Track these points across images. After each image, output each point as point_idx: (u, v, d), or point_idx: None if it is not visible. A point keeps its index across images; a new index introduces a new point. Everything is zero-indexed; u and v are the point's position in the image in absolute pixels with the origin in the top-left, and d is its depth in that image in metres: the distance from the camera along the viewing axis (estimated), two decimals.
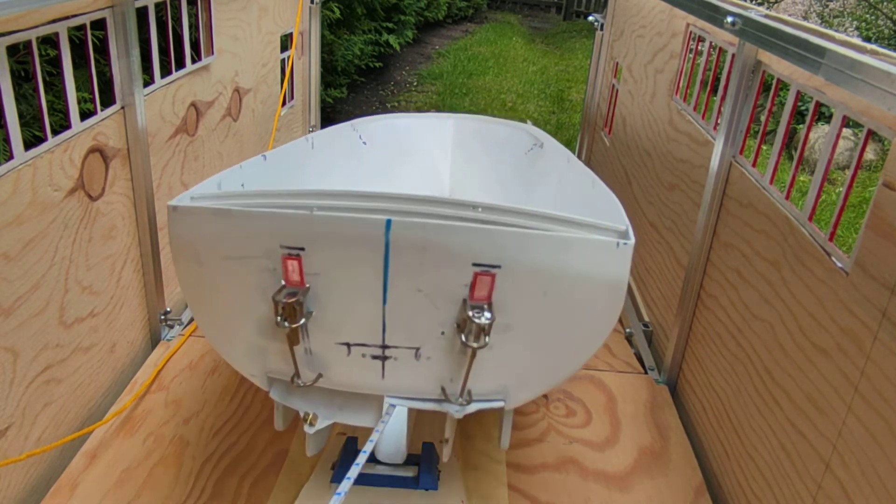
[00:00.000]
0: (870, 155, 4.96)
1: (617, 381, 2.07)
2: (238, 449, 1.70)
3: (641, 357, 2.22)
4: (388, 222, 1.15)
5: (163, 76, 2.04)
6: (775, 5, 7.08)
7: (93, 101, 1.71)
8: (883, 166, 1.17)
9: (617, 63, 3.27)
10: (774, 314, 1.50)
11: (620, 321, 2.27)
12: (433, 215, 1.22)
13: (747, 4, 1.84)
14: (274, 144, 3.02)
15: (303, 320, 1.21)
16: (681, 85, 2.29)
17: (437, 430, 1.45)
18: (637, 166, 2.68)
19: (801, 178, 4.44)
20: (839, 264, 1.27)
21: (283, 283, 1.22)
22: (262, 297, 1.23)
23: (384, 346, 1.27)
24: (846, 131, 4.91)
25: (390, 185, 2.31)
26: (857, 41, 1.29)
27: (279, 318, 1.20)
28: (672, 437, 1.86)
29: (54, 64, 1.78)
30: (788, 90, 1.59)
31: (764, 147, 2.19)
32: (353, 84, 5.87)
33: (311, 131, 3.53)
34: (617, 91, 3.20)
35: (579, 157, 2.23)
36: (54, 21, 1.54)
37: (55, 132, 1.57)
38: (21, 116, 1.60)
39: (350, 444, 1.58)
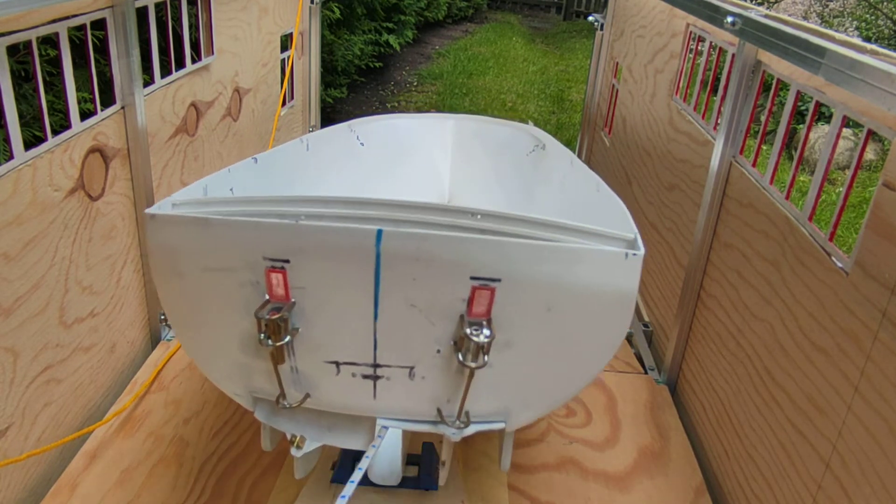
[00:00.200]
0: (870, 155, 4.96)
1: (617, 381, 2.07)
2: (238, 449, 1.70)
3: (641, 357, 2.22)
4: (379, 232, 1.08)
5: (163, 76, 2.04)
6: (775, 5, 7.08)
7: (93, 101, 1.71)
8: (883, 166, 1.17)
9: (617, 63, 3.27)
10: (774, 314, 1.50)
11: None
12: (429, 224, 1.17)
13: (747, 4, 1.84)
14: (274, 144, 3.02)
15: (288, 338, 1.14)
16: (681, 85, 2.29)
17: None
18: (637, 166, 2.68)
19: (801, 178, 4.44)
20: (839, 264, 1.27)
21: (266, 297, 1.15)
22: (245, 311, 1.16)
23: (375, 365, 1.20)
24: (846, 131, 4.91)
25: (388, 188, 2.29)
26: (857, 41, 1.29)
27: (262, 335, 1.13)
28: (672, 438, 1.86)
29: (54, 64, 1.78)
30: (788, 90, 1.59)
31: (764, 147, 2.19)
32: (353, 84, 5.87)
33: (311, 131, 3.53)
34: (617, 91, 3.20)
35: (579, 156, 2.22)
36: (54, 21, 1.54)
37: (55, 132, 1.57)
38: (21, 116, 1.60)
39: None
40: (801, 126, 4.88)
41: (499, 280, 1.11)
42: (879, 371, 1.12)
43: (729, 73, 1.87)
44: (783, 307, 1.46)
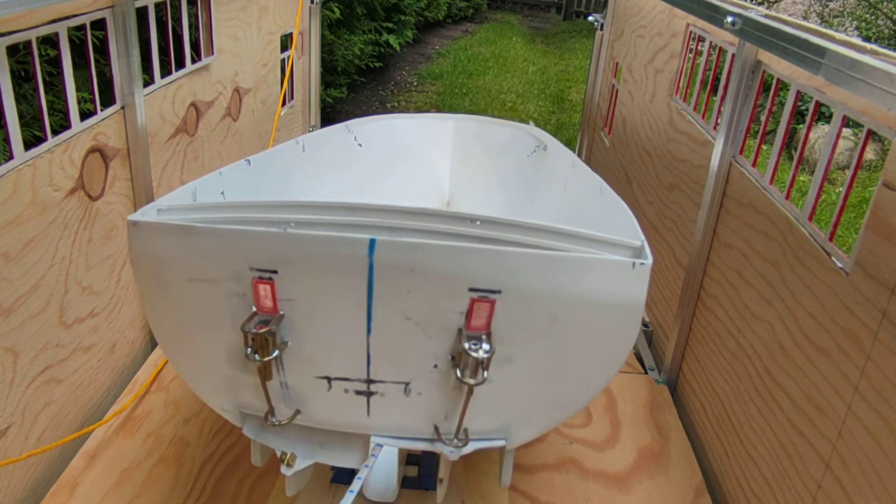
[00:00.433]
0: (870, 155, 4.96)
1: (617, 381, 2.07)
2: (238, 449, 1.69)
3: (641, 357, 2.22)
4: (372, 242, 1.02)
5: (163, 76, 2.04)
6: (775, 5, 7.08)
7: (93, 101, 1.71)
8: (883, 166, 1.17)
9: (617, 63, 3.27)
10: (774, 314, 1.50)
11: None
12: (425, 231, 1.12)
13: (747, 4, 1.84)
14: (274, 144, 3.02)
15: (276, 352, 1.10)
16: (681, 85, 2.29)
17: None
18: (637, 166, 2.68)
19: (801, 178, 4.44)
20: (839, 264, 1.27)
21: (253, 309, 1.10)
22: (232, 324, 1.11)
23: (369, 381, 1.15)
24: (846, 131, 4.91)
25: (386, 190, 2.28)
26: (857, 41, 1.29)
27: (249, 350, 1.08)
28: (672, 437, 1.86)
29: (54, 64, 1.78)
30: (788, 90, 1.59)
31: (764, 147, 2.19)
32: (353, 84, 5.87)
33: (311, 131, 3.53)
34: (617, 91, 3.20)
35: (579, 156, 2.21)
36: (54, 21, 1.54)
37: (55, 132, 1.57)
38: (21, 116, 1.60)
39: None
40: (801, 126, 4.88)
41: (499, 292, 1.06)
42: (879, 371, 1.12)
43: (729, 73, 1.87)
44: (783, 307, 1.46)
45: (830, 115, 1.41)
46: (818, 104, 1.51)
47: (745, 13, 1.66)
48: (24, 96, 2.18)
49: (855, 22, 6.63)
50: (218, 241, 1.08)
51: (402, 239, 1.04)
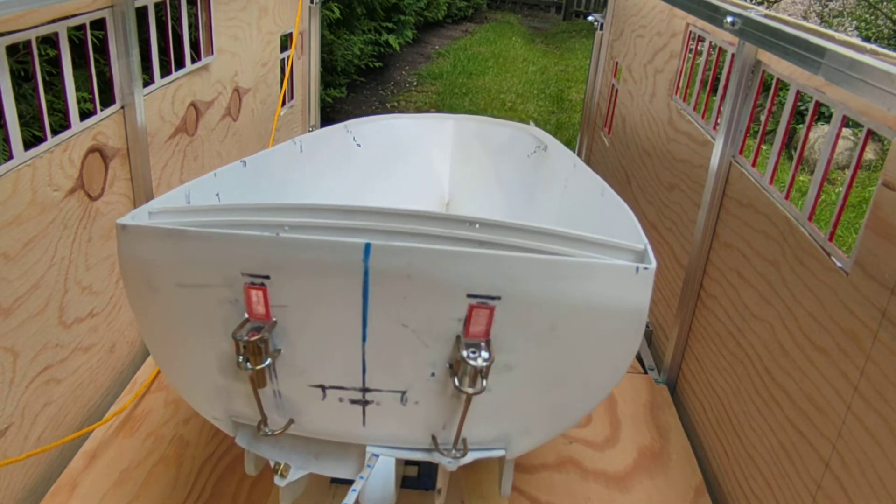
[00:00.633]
0: (869, 155, 4.96)
1: None
2: (238, 449, 1.69)
3: (641, 357, 2.22)
4: (367, 246, 1.00)
5: (162, 76, 2.04)
6: (775, 5, 7.08)
7: (92, 100, 1.71)
8: (883, 166, 1.17)
9: (617, 63, 3.27)
10: (774, 314, 1.50)
11: None
12: (423, 235, 1.10)
13: (747, 4, 1.84)
14: (273, 144, 3.02)
15: (269, 360, 1.07)
16: (680, 85, 2.29)
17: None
18: (637, 166, 2.68)
19: (801, 178, 4.44)
20: (839, 264, 1.27)
21: (245, 316, 1.07)
22: (223, 331, 1.08)
23: (364, 390, 1.12)
24: (846, 131, 4.91)
25: (385, 191, 2.27)
26: (857, 41, 1.29)
27: (241, 358, 1.05)
28: (672, 437, 1.86)
29: (54, 64, 1.78)
30: (788, 90, 1.59)
31: (764, 147, 2.19)
32: (353, 84, 5.87)
33: (311, 130, 3.53)
34: (617, 91, 3.20)
35: (579, 156, 2.21)
36: (54, 21, 1.54)
37: (55, 132, 1.57)
38: (21, 116, 1.60)
39: None
40: (800, 126, 4.88)
41: (498, 298, 1.03)
42: (879, 371, 1.12)
43: (729, 72, 1.87)
44: (783, 307, 1.46)
45: (830, 115, 1.41)
46: (818, 104, 1.51)
47: (744, 13, 1.66)
48: (24, 96, 2.18)
49: (855, 22, 6.64)
50: (209, 246, 1.06)
51: (398, 243, 1.02)
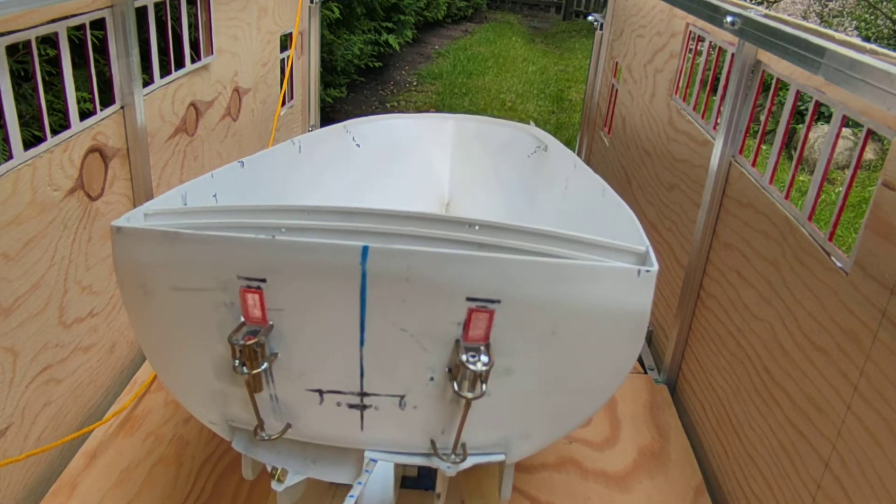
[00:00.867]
0: (869, 155, 4.96)
1: None
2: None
3: (641, 357, 2.22)
4: (365, 249, 0.98)
5: (162, 76, 2.04)
6: (774, 5, 7.08)
7: (92, 100, 1.71)
8: (882, 166, 1.17)
9: (616, 63, 3.27)
10: (774, 314, 1.50)
11: None
12: (422, 237, 1.09)
13: (747, 4, 1.84)
14: (273, 144, 3.02)
15: (265, 364, 1.06)
16: (680, 85, 2.29)
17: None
18: (637, 166, 2.68)
19: (801, 178, 4.44)
20: (839, 264, 1.27)
21: (241, 319, 1.06)
22: (219, 335, 1.07)
23: (362, 394, 1.11)
24: (846, 131, 4.91)
25: (385, 191, 2.27)
26: (857, 41, 1.29)
27: (237, 362, 1.04)
28: (672, 437, 1.86)
29: (54, 64, 1.78)
30: (788, 90, 1.59)
31: (763, 147, 2.19)
32: (353, 84, 5.87)
33: (311, 130, 3.53)
34: (616, 91, 3.20)
35: (578, 156, 2.20)
36: (54, 21, 1.54)
37: (55, 132, 1.57)
38: (21, 116, 1.59)
39: None
40: (800, 126, 4.88)
41: (498, 301, 1.02)
42: (879, 371, 1.12)
43: (728, 72, 1.87)
44: (783, 307, 1.46)
45: (830, 115, 1.41)
46: (818, 104, 1.51)
47: (744, 13, 1.66)
48: (24, 96, 2.18)
49: (854, 22, 6.64)
50: (204, 248, 1.04)
51: (396, 246, 1.00)
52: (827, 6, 7.06)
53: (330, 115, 5.16)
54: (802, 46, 1.31)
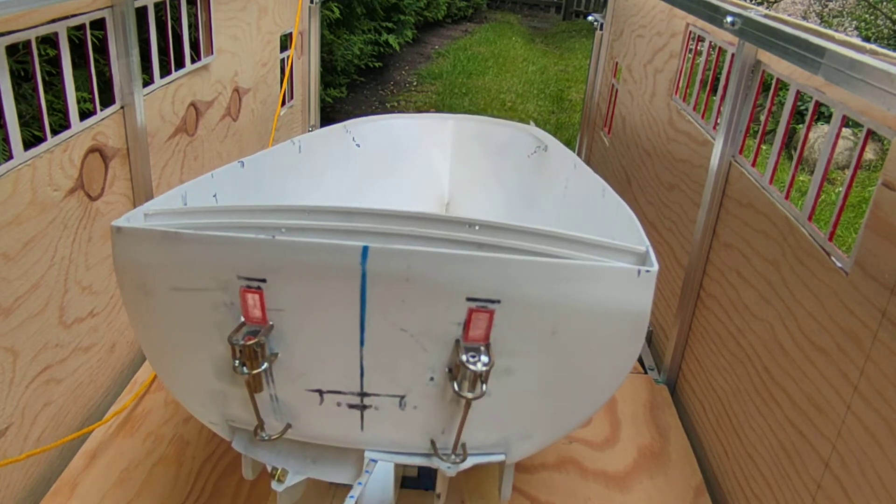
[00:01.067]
0: (869, 155, 4.96)
1: None
2: None
3: (641, 357, 2.22)
4: (365, 250, 0.99)
5: (162, 76, 2.04)
6: (775, 5, 7.08)
7: (92, 100, 1.71)
8: (882, 166, 1.17)
9: (616, 63, 3.27)
10: (774, 314, 1.50)
11: None
12: (422, 237, 1.08)
13: (747, 4, 1.84)
14: (273, 144, 3.02)
15: (265, 364, 1.06)
16: (680, 85, 2.29)
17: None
18: (637, 166, 2.68)
19: (801, 178, 4.44)
20: (839, 264, 1.27)
21: (241, 319, 1.06)
22: (219, 335, 1.07)
23: (363, 394, 1.11)
24: (846, 131, 4.91)
25: (384, 191, 2.27)
26: (857, 41, 1.29)
27: (237, 362, 1.04)
28: (672, 437, 1.86)
29: (54, 64, 1.78)
30: (788, 90, 1.59)
31: (763, 147, 2.19)
32: (353, 84, 5.87)
33: (311, 130, 3.53)
34: (616, 91, 3.20)
35: (578, 156, 2.20)
36: (54, 21, 1.54)
37: (55, 132, 1.57)
38: (20, 116, 1.60)
39: None
40: (800, 126, 4.88)
41: (498, 301, 1.02)
42: (879, 371, 1.12)
43: (728, 72, 1.87)
44: (783, 307, 1.46)
45: (830, 115, 1.41)
46: (818, 104, 1.51)
47: (744, 13, 1.66)
48: (24, 96, 2.18)
49: (854, 22, 6.64)
50: (204, 249, 1.04)
51: (396, 246, 1.00)
52: (827, 6, 7.06)
53: (330, 115, 5.16)
54: (802, 46, 1.31)
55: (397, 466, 1.28)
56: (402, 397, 1.12)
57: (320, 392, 1.12)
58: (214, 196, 1.47)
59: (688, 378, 1.99)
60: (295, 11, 3.17)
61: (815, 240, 1.37)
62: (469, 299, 1.02)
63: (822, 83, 1.43)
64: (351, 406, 1.13)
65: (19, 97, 2.13)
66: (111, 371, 1.88)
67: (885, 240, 1.13)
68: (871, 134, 1.28)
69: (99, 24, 1.74)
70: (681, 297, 2.00)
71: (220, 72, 2.44)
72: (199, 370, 1.16)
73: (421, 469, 1.51)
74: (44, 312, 1.55)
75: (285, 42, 3.17)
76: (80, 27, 1.68)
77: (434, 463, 1.17)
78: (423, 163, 2.49)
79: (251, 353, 1.04)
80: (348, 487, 1.17)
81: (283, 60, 3.16)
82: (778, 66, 1.64)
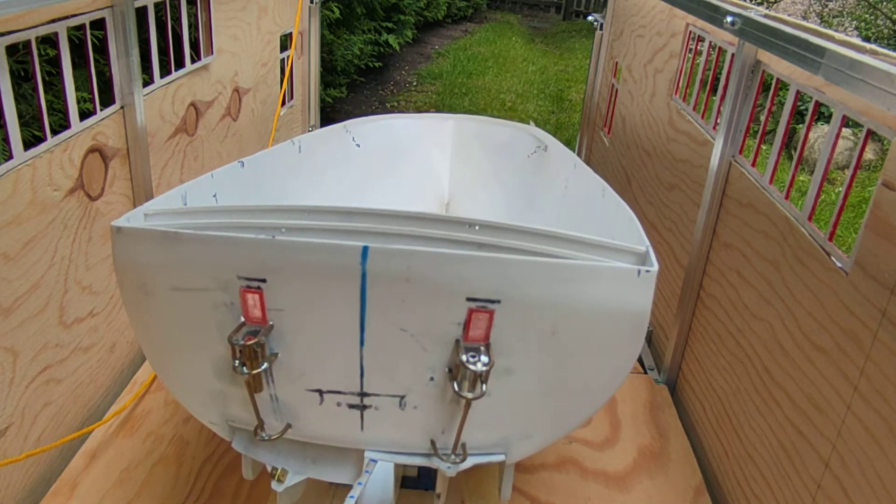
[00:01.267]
0: (869, 155, 4.97)
1: None
2: None
3: (641, 357, 2.22)
4: (365, 250, 0.99)
5: (162, 76, 2.04)
6: (775, 5, 7.08)
7: (92, 100, 1.71)
8: (882, 166, 1.17)
9: (616, 63, 3.27)
10: (774, 314, 1.50)
11: None
12: (422, 237, 1.09)
13: (747, 4, 1.84)
14: (273, 144, 3.02)
15: (265, 364, 1.06)
16: (680, 85, 2.29)
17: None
18: (636, 166, 2.68)
19: (801, 178, 4.44)
20: (839, 264, 1.27)
21: (241, 319, 1.06)
22: (219, 335, 1.07)
23: (362, 394, 1.11)
24: (846, 131, 4.91)
25: (385, 191, 2.27)
26: (857, 41, 1.29)
27: (237, 362, 1.04)
28: (672, 437, 1.86)
29: (54, 64, 1.78)
30: (788, 90, 1.59)
31: (763, 147, 2.19)
32: (353, 84, 5.87)
33: (311, 130, 3.53)
34: (616, 91, 3.20)
35: (578, 156, 2.21)
36: (54, 21, 1.54)
37: (55, 132, 1.57)
38: (21, 116, 1.60)
39: None
40: (800, 126, 4.88)
41: (498, 301, 1.02)
42: (879, 371, 1.12)
43: (728, 72, 1.87)
44: (783, 307, 1.46)
45: (830, 115, 1.41)
46: (818, 104, 1.51)
47: (744, 13, 1.66)
48: (24, 96, 2.18)
49: (854, 22, 6.64)
50: (204, 249, 1.05)
51: (396, 246, 1.01)
52: (827, 6, 7.06)
53: (330, 115, 5.16)
54: (802, 46, 1.31)
55: (397, 466, 1.28)
56: (402, 397, 1.12)
57: (320, 392, 1.13)
58: (214, 196, 1.48)
59: (688, 378, 1.99)
60: (295, 11, 3.17)
61: (815, 240, 1.37)
62: (469, 299, 1.02)
63: (822, 83, 1.43)
64: (351, 406, 1.13)
65: (19, 97, 2.13)
66: (111, 371, 1.88)
67: (885, 240, 1.13)
68: (871, 134, 1.28)
69: (99, 24, 1.74)
70: (681, 297, 2.00)
71: (220, 72, 2.44)
72: (199, 370, 1.16)
73: (421, 469, 1.51)
74: (44, 312, 1.55)
75: (285, 42, 3.17)
76: (80, 27, 1.68)
77: (434, 463, 1.17)
78: (423, 163, 2.49)
79: (251, 353, 1.04)
80: (348, 487, 1.17)
81: (283, 60, 3.16)
82: (778, 66, 1.64)
